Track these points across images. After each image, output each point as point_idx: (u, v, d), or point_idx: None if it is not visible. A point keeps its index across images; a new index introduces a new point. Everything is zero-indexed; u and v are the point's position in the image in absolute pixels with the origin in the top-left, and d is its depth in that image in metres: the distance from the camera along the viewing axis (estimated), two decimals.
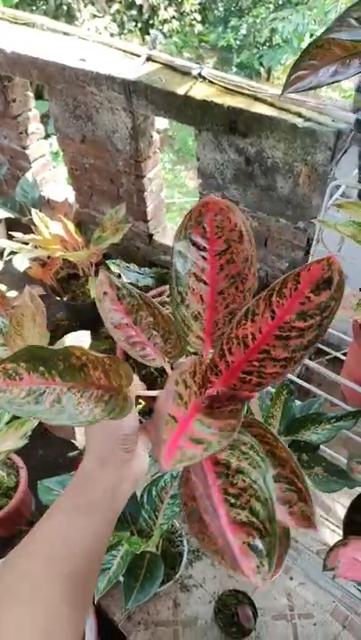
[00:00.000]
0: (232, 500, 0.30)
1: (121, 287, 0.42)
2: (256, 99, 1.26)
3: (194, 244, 0.36)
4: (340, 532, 1.00)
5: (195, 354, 0.48)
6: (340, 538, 0.91)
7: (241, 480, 0.30)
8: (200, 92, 1.31)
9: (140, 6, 4.79)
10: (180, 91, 1.32)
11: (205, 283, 0.37)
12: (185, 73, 1.38)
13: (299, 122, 1.19)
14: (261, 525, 0.29)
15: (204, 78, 1.34)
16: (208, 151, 1.41)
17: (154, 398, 0.40)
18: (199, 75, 1.34)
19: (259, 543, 0.28)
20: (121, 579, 1.04)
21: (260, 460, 0.31)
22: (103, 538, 0.43)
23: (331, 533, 1.27)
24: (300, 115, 1.20)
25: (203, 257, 0.36)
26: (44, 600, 0.36)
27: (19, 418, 1.15)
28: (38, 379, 0.32)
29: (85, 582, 0.40)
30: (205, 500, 0.30)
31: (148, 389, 0.43)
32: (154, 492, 1.06)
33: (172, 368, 0.43)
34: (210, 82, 1.33)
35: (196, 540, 0.31)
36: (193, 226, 0.36)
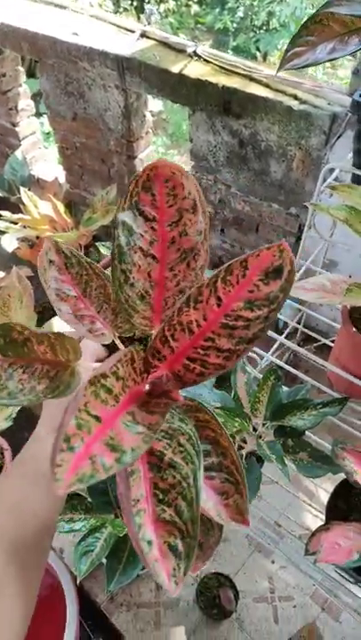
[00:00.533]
0: (160, 496, 0.28)
1: (70, 255, 0.40)
2: (251, 79, 1.23)
3: (141, 213, 0.32)
4: (323, 518, 1.01)
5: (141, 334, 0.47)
6: (322, 523, 0.91)
7: (172, 475, 0.29)
8: (195, 70, 1.28)
9: None
10: (175, 69, 1.29)
11: (154, 257, 0.34)
12: (180, 51, 1.34)
13: (294, 104, 1.17)
14: (184, 526, 0.27)
15: (199, 57, 1.31)
16: (201, 132, 1.38)
17: None
18: (194, 53, 1.31)
19: (179, 544, 0.27)
20: (104, 561, 1.04)
21: (194, 454, 0.29)
22: (53, 505, 0.42)
23: (313, 519, 1.29)
24: (295, 97, 1.18)
25: (152, 228, 0.33)
26: None
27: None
28: None
29: (35, 546, 0.40)
30: (125, 500, 0.29)
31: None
32: None
33: (122, 342, 0.41)
34: (205, 60, 1.30)
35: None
36: (140, 193, 0.32)
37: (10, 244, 1.65)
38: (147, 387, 0.31)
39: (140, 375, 0.31)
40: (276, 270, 0.28)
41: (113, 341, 0.44)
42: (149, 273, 0.34)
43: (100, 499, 1.04)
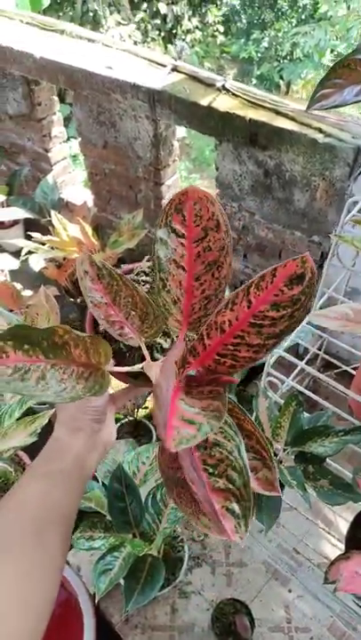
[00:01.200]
0: (210, 470, 0.33)
1: (101, 267, 0.44)
2: (278, 113, 1.28)
3: (173, 231, 0.38)
4: (342, 547, 1.00)
5: (167, 334, 0.52)
6: (341, 552, 0.91)
7: (218, 452, 0.33)
8: (223, 103, 1.34)
9: (165, 15, 4.86)
10: (204, 102, 1.35)
11: (183, 268, 0.39)
12: (209, 84, 1.40)
13: (319, 137, 1.20)
14: (238, 491, 0.32)
15: (228, 90, 1.36)
16: (227, 162, 1.43)
17: (122, 374, 0.44)
18: (223, 87, 1.37)
19: (235, 507, 0.32)
20: (121, 581, 1.05)
21: (233, 433, 0.34)
22: (74, 504, 0.45)
23: (332, 547, 1.27)
24: (320, 130, 1.22)
25: (182, 244, 0.38)
26: (22, 552, 0.39)
27: (29, 415, 1.16)
28: (23, 356, 0.34)
29: (60, 542, 0.42)
30: (192, 470, 0.33)
31: (117, 365, 0.45)
32: (158, 496, 1.07)
33: (148, 347, 0.45)
34: (233, 94, 1.35)
35: (174, 503, 0.34)
36: (173, 214, 0.37)
37: (37, 263, 1.71)
38: (183, 380, 0.35)
39: (178, 370, 0.36)
40: (299, 277, 0.33)
41: (120, 348, 0.50)
42: (180, 282, 0.39)
43: (120, 518, 1.06)
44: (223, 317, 0.34)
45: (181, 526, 1.33)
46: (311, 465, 0.96)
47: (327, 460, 0.97)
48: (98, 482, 1.14)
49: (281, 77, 5.11)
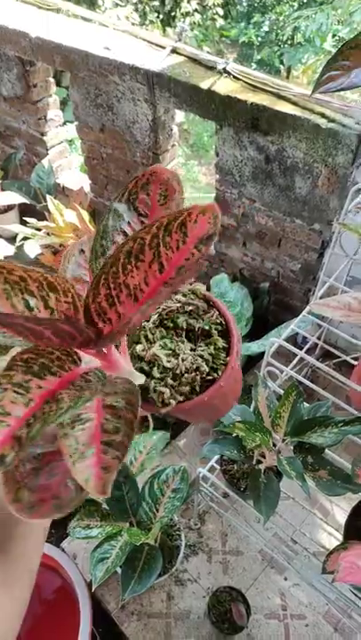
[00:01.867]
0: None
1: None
2: (280, 97, 1.25)
3: (136, 209, 0.36)
4: (339, 537, 1.00)
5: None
6: (337, 542, 0.91)
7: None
8: (224, 87, 1.30)
9: None
10: (204, 85, 1.32)
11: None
12: (209, 67, 1.37)
13: (322, 122, 1.18)
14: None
15: (229, 73, 1.33)
16: (228, 147, 1.40)
17: None
18: (224, 70, 1.33)
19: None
20: (118, 569, 1.05)
21: None
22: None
23: (328, 537, 1.28)
24: (323, 115, 1.19)
25: (142, 222, 0.36)
26: None
27: None
28: None
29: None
30: None
31: None
32: (155, 485, 1.06)
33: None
34: (234, 77, 1.32)
35: None
36: (138, 192, 0.35)
37: (33, 249, 1.68)
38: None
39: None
40: (209, 238, 0.29)
41: None
42: None
43: (117, 507, 1.05)
44: (133, 280, 0.31)
45: (178, 515, 1.33)
46: (310, 455, 0.96)
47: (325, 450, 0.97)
48: None
49: (281, 62, 5.03)
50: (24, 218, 1.70)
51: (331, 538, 1.25)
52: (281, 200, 1.41)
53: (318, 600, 1.24)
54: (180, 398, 0.41)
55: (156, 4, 4.76)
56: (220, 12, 5.18)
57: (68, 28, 1.60)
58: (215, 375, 0.42)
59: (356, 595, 0.96)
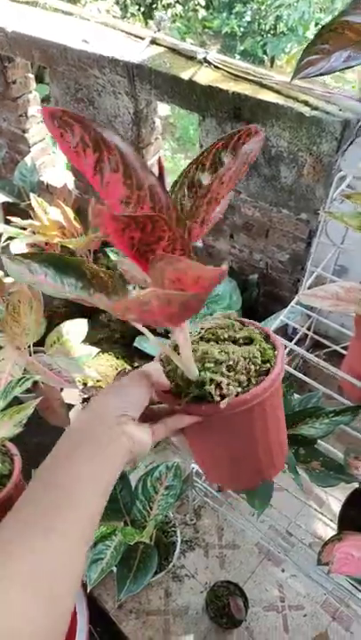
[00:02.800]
0: None
1: None
2: (262, 85, 1.23)
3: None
4: (334, 527, 1.00)
5: None
6: (333, 532, 0.90)
7: None
8: (205, 77, 1.28)
9: None
10: (185, 75, 1.29)
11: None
12: (190, 57, 1.34)
13: (305, 110, 1.16)
14: None
15: (210, 63, 1.31)
16: (211, 139, 1.38)
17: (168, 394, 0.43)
18: (204, 59, 1.31)
19: None
20: (114, 569, 1.04)
21: None
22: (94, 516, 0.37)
23: (324, 527, 1.28)
24: (307, 103, 1.18)
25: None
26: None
27: (14, 405, 1.13)
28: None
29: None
30: None
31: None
32: (149, 483, 1.05)
33: None
34: (215, 67, 1.30)
35: None
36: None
37: (19, 249, 1.65)
38: None
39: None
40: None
41: None
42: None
43: (111, 506, 1.04)
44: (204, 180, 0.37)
45: (173, 511, 1.33)
46: (302, 447, 0.95)
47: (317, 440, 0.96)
48: None
49: (265, 52, 4.99)
50: (8, 217, 1.67)
51: (327, 528, 1.25)
52: (267, 190, 1.40)
53: (316, 590, 1.24)
54: (239, 389, 0.41)
55: None
56: (202, 2, 5.13)
57: (46, 21, 1.56)
58: (268, 367, 0.43)
59: (352, 584, 0.96)
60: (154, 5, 4.84)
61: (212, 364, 0.41)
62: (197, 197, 0.37)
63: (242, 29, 5.10)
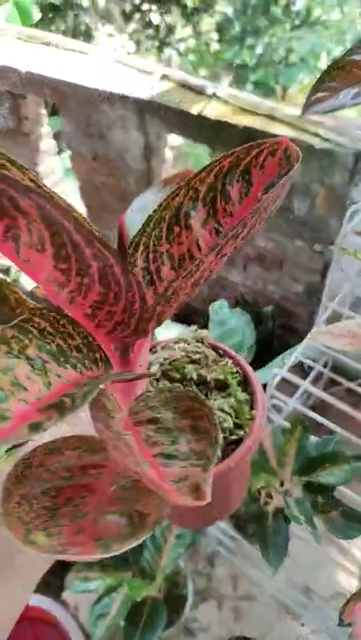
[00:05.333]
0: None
1: None
2: (273, 118, 1.22)
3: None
4: (357, 578, 0.92)
5: None
6: (356, 583, 0.84)
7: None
8: (214, 111, 1.28)
9: (157, 26, 4.84)
10: (194, 110, 1.29)
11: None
12: (199, 92, 1.34)
13: (316, 142, 1.14)
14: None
15: (219, 97, 1.30)
16: None
17: None
18: (214, 94, 1.31)
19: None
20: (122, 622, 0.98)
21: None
22: None
23: (347, 577, 1.19)
24: (317, 135, 1.16)
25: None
26: None
27: (18, 446, 1.10)
28: None
29: None
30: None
31: None
32: (158, 532, 1.00)
33: None
34: (225, 101, 1.30)
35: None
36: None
37: (29, 282, 1.65)
38: None
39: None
40: (282, 176, 0.24)
41: None
42: None
43: (118, 556, 0.99)
44: (180, 248, 0.26)
45: (185, 559, 1.26)
46: (320, 495, 0.89)
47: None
48: None
49: (277, 82, 5.07)
50: None
51: (350, 579, 1.17)
52: (280, 221, 1.37)
53: None
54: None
55: (151, 32, 4.86)
56: (215, 36, 5.27)
57: (59, 60, 1.59)
58: (241, 434, 0.34)
59: None
60: (167, 40, 4.99)
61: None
62: (179, 253, 0.26)
63: (254, 61, 5.20)
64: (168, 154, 1.61)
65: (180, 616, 1.11)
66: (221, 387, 0.37)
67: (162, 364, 0.38)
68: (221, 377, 0.37)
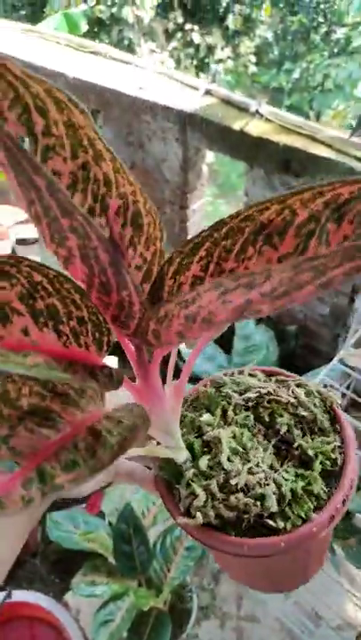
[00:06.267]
0: None
1: None
2: (314, 139, 1.22)
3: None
4: None
5: None
6: None
7: None
8: (256, 128, 1.29)
9: (198, 45, 4.94)
10: (236, 126, 1.31)
11: None
12: (242, 109, 1.36)
13: (357, 165, 1.14)
14: None
15: (261, 115, 1.32)
16: (258, 188, 1.38)
17: None
18: (256, 111, 1.33)
19: None
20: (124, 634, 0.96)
21: None
22: None
23: (354, 608, 1.16)
24: (358, 158, 1.16)
25: None
26: None
27: None
28: None
29: None
30: None
31: None
32: (168, 542, 0.99)
33: None
34: (267, 119, 1.31)
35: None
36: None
37: None
38: None
39: None
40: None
41: None
42: None
43: (125, 562, 0.97)
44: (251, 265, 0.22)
45: (191, 573, 1.24)
46: (340, 520, 0.87)
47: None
48: (104, 520, 1.07)
49: (311, 107, 5.11)
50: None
51: (358, 612, 1.14)
52: None
53: None
54: (213, 519, 0.27)
55: (191, 51, 4.95)
56: (253, 59, 5.35)
57: (105, 68, 1.63)
58: (280, 525, 0.27)
59: None
60: (206, 60, 5.08)
61: (204, 465, 0.29)
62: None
63: (290, 85, 5.26)
64: (204, 168, 1.63)
65: (184, 631, 1.09)
66: (304, 462, 0.30)
67: (260, 395, 0.32)
68: (310, 453, 0.30)
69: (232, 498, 0.27)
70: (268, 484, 0.27)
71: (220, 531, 0.27)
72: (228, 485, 0.28)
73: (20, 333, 0.22)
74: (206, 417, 0.31)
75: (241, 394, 0.32)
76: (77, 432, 0.23)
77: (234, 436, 0.29)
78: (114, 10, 4.07)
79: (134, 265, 0.24)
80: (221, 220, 0.22)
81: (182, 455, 0.29)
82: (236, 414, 0.31)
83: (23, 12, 4.45)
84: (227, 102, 1.40)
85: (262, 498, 0.27)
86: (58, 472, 0.21)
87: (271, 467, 0.29)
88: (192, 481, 0.28)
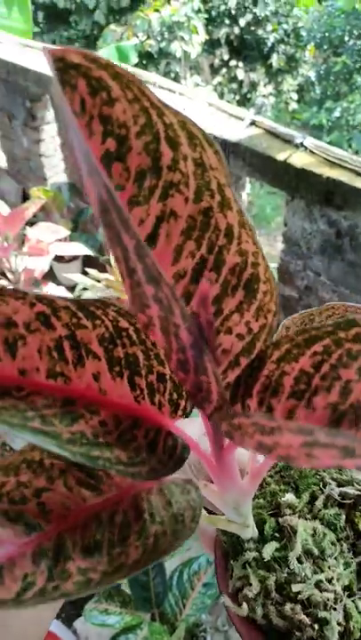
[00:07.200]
0: None
1: None
2: (358, 174, 1.22)
3: None
4: None
5: None
6: None
7: None
8: (300, 160, 1.30)
9: (241, 81, 5.08)
10: (280, 157, 1.31)
11: None
12: (286, 140, 1.37)
13: None
14: None
15: (306, 148, 1.32)
16: (297, 219, 1.37)
17: None
18: (301, 144, 1.33)
19: None
20: None
21: None
22: None
23: None
24: None
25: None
26: None
27: None
28: None
29: None
30: None
31: None
32: (185, 576, 0.95)
33: None
34: (311, 152, 1.31)
35: None
36: None
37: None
38: None
39: None
40: None
41: None
42: None
43: (140, 593, 0.94)
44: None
45: (206, 613, 1.18)
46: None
47: None
48: None
49: (350, 146, 5.14)
50: (86, 269, 1.72)
51: None
52: (349, 276, 1.35)
53: None
54: (259, 618, 0.24)
55: (234, 86, 5.09)
56: (295, 96, 5.45)
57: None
58: None
59: None
60: (248, 95, 5.20)
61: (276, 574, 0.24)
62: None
63: (330, 123, 5.32)
64: (244, 197, 1.64)
65: None
66: None
67: (355, 497, 0.27)
68: None
69: (287, 606, 0.23)
70: (335, 609, 0.22)
71: (263, 633, 0.24)
72: (288, 589, 0.23)
73: (91, 378, 0.20)
74: (289, 497, 0.26)
75: (340, 485, 0.27)
76: (120, 499, 0.21)
77: (314, 534, 0.25)
78: (162, 44, 4.24)
79: (235, 333, 0.21)
80: (352, 319, 0.19)
81: (248, 533, 0.25)
82: (325, 508, 0.26)
83: (78, 45, 4.69)
84: (271, 133, 1.41)
85: (323, 622, 0.22)
86: (76, 553, 0.18)
87: (347, 588, 0.24)
88: (250, 565, 0.24)
